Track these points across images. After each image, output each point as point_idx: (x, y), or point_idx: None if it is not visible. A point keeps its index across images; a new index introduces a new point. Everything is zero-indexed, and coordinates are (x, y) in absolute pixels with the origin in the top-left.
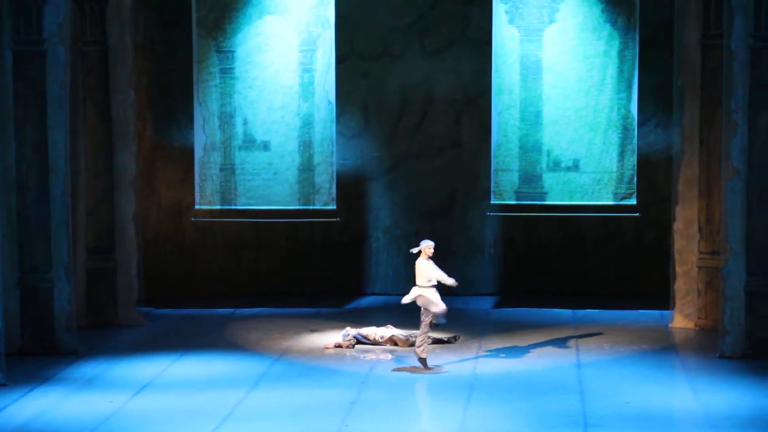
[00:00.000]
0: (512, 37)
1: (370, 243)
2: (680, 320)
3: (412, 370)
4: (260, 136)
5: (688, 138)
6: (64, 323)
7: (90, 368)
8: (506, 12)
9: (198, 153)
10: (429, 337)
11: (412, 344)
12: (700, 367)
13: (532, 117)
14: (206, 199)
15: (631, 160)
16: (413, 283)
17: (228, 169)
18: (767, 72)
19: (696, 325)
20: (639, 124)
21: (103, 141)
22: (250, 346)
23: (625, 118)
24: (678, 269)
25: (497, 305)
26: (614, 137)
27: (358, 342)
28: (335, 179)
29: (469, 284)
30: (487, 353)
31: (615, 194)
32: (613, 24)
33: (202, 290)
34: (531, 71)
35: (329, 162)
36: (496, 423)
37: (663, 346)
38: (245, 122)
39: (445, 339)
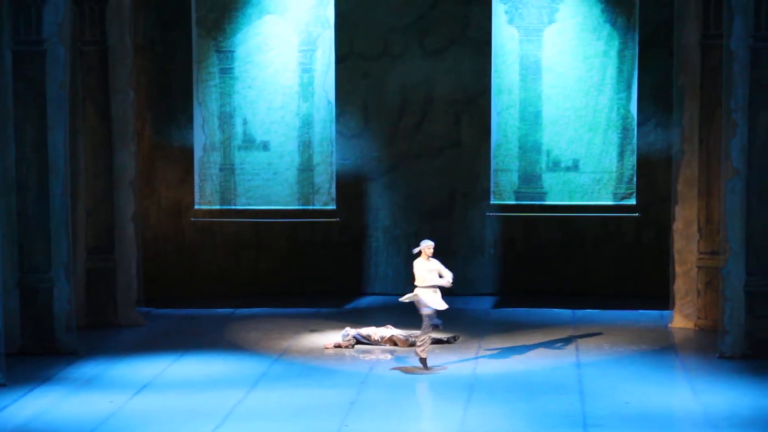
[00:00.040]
0: (512, 37)
1: (370, 243)
2: (680, 320)
3: (412, 370)
4: (260, 136)
5: (688, 138)
6: (64, 323)
7: (90, 368)
8: (506, 12)
9: (197, 153)
10: (429, 337)
11: (412, 344)
12: (700, 367)
13: (531, 117)
14: (206, 199)
15: (631, 160)
16: (413, 283)
17: (227, 169)
18: (767, 72)
19: (695, 325)
20: (639, 124)
21: (102, 141)
22: (250, 346)
23: (625, 118)
24: (677, 269)
25: (497, 305)
26: (614, 137)
27: (358, 342)
28: (335, 179)
29: (468, 284)
30: (487, 353)
31: (615, 194)
32: (613, 24)
33: (201, 290)
34: (531, 71)
35: (329, 162)
36: (496, 423)
37: (662, 346)
38: (245, 122)
39: (445, 339)
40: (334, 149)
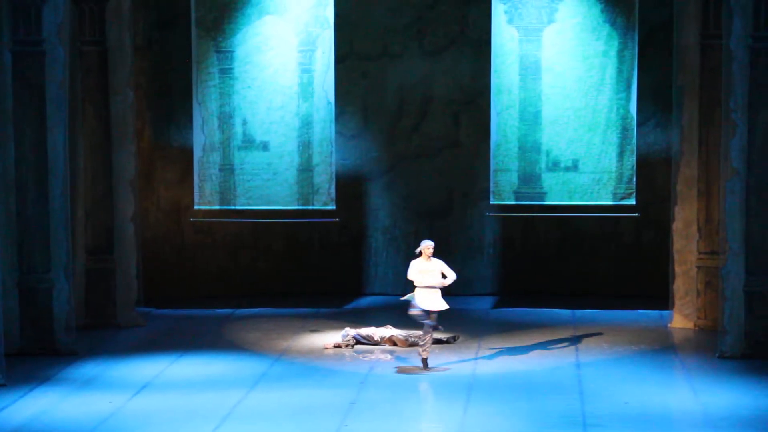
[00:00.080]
0: (511, 37)
1: (369, 243)
2: (679, 320)
3: (412, 370)
4: (259, 137)
5: (687, 138)
6: (64, 324)
7: (89, 368)
8: (505, 12)
9: (197, 153)
10: (431, 338)
11: (412, 344)
12: (700, 367)
13: (531, 117)
14: (205, 199)
15: (631, 160)
16: (412, 284)
17: (227, 170)
18: (766, 72)
19: (695, 325)
20: (638, 124)
21: (102, 141)
22: (250, 346)
23: (624, 118)
24: (677, 269)
25: (496, 305)
26: (613, 137)
27: (358, 342)
28: (334, 179)
29: (468, 284)
30: (487, 353)
31: (614, 194)
32: (612, 24)
33: (201, 290)
34: (530, 71)
35: (328, 162)
36: (496, 423)
37: (662, 346)
38: (244, 122)
39: (445, 339)
40: (333, 149)
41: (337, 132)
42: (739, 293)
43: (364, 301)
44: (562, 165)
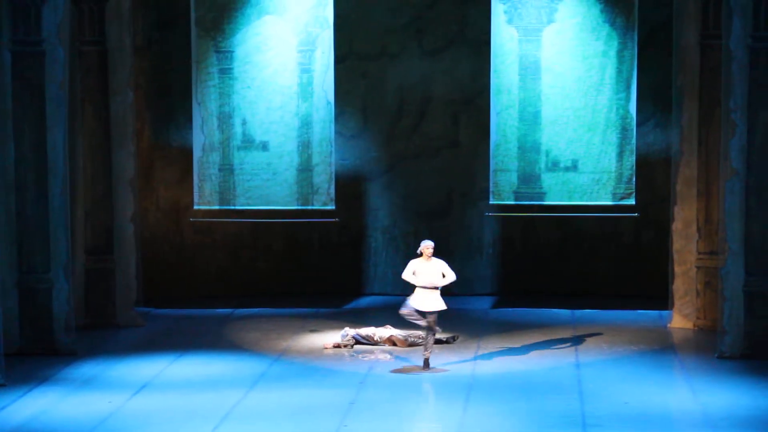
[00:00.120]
0: (511, 37)
1: (369, 243)
2: (679, 320)
3: (411, 370)
4: (259, 137)
5: (687, 138)
6: (63, 324)
7: (88, 368)
8: (505, 12)
9: (197, 153)
10: (433, 338)
11: (411, 344)
12: (699, 368)
13: (530, 117)
14: (205, 199)
15: (630, 160)
16: (411, 284)
17: (227, 170)
18: (766, 72)
19: (695, 325)
20: (638, 124)
21: (101, 141)
22: (249, 346)
23: (624, 118)
24: (677, 269)
25: (496, 305)
26: (613, 137)
27: (357, 342)
28: (334, 179)
29: (467, 284)
30: (486, 353)
31: (614, 194)
32: (612, 24)
33: (200, 290)
34: (530, 71)
35: (328, 162)
36: (495, 423)
37: (662, 347)
38: (244, 122)
39: (444, 339)
40: (333, 149)
41: (336, 132)
42: (739, 293)
43: (364, 301)
44: (562, 165)
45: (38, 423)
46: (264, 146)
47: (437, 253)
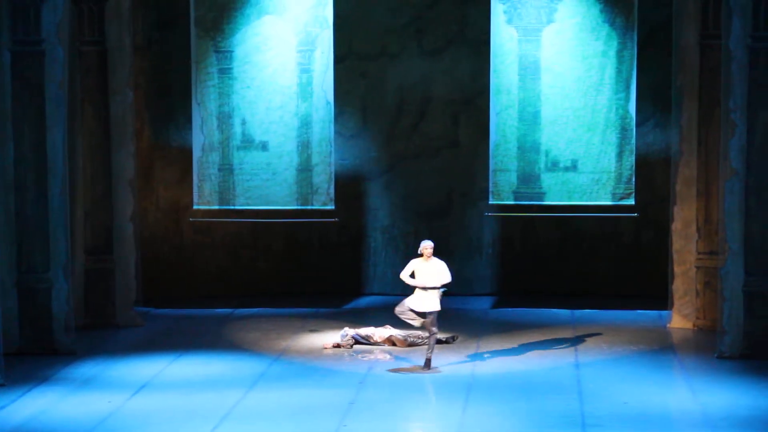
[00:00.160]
0: (510, 37)
1: (369, 243)
2: (678, 320)
3: (411, 370)
4: (258, 136)
5: (687, 138)
6: (63, 323)
7: (88, 368)
8: (504, 12)
9: (196, 153)
10: (435, 338)
11: (411, 344)
12: (698, 368)
13: (530, 117)
14: (204, 199)
15: (630, 160)
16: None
17: (226, 169)
18: (765, 72)
19: (694, 325)
20: (637, 124)
21: (101, 141)
22: (249, 346)
23: (624, 118)
24: (676, 269)
25: (495, 305)
26: (612, 137)
27: (357, 342)
28: (333, 179)
29: (467, 284)
30: (486, 353)
31: (613, 194)
32: (612, 24)
33: (200, 290)
34: (529, 71)
35: (327, 162)
36: (495, 423)
37: (661, 347)
38: (243, 122)
39: (444, 339)
40: (332, 149)
41: (336, 132)
42: (738, 293)
43: (363, 301)
44: (561, 165)
45: (38, 423)
46: (263, 146)
47: (437, 253)
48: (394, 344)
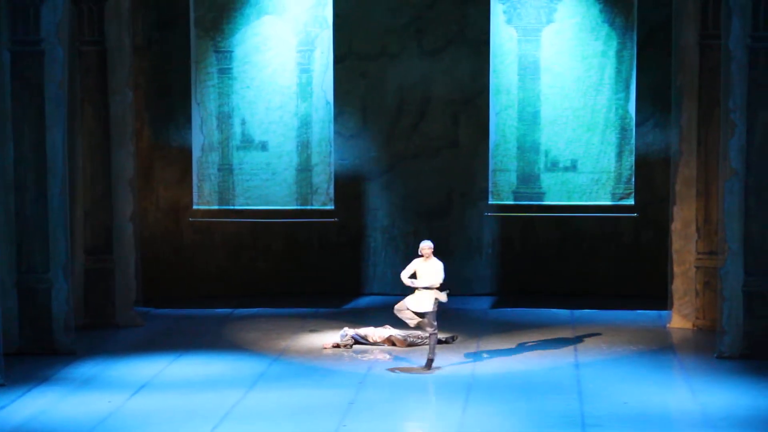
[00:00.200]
0: (510, 37)
1: (368, 243)
2: (678, 320)
3: (410, 370)
4: (258, 137)
5: (686, 138)
6: (62, 323)
7: (88, 368)
8: (504, 12)
9: (196, 153)
10: (435, 338)
11: (410, 344)
12: (698, 368)
13: (530, 117)
14: (204, 199)
15: (629, 161)
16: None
17: (226, 170)
18: (765, 72)
19: (694, 325)
20: (637, 125)
21: (100, 141)
22: (249, 346)
23: (623, 118)
24: (676, 269)
25: (495, 305)
26: (612, 137)
27: (356, 342)
28: (333, 179)
29: (466, 284)
30: (486, 353)
31: (613, 194)
32: (611, 24)
33: (200, 290)
34: (529, 71)
35: (327, 162)
36: (494, 423)
37: (661, 347)
38: (243, 122)
39: (443, 339)
40: (332, 149)
41: (335, 132)
42: (738, 293)
43: (363, 301)
44: (561, 165)
45: (38, 423)
46: (263, 146)
47: (436, 253)
48: (393, 344)
